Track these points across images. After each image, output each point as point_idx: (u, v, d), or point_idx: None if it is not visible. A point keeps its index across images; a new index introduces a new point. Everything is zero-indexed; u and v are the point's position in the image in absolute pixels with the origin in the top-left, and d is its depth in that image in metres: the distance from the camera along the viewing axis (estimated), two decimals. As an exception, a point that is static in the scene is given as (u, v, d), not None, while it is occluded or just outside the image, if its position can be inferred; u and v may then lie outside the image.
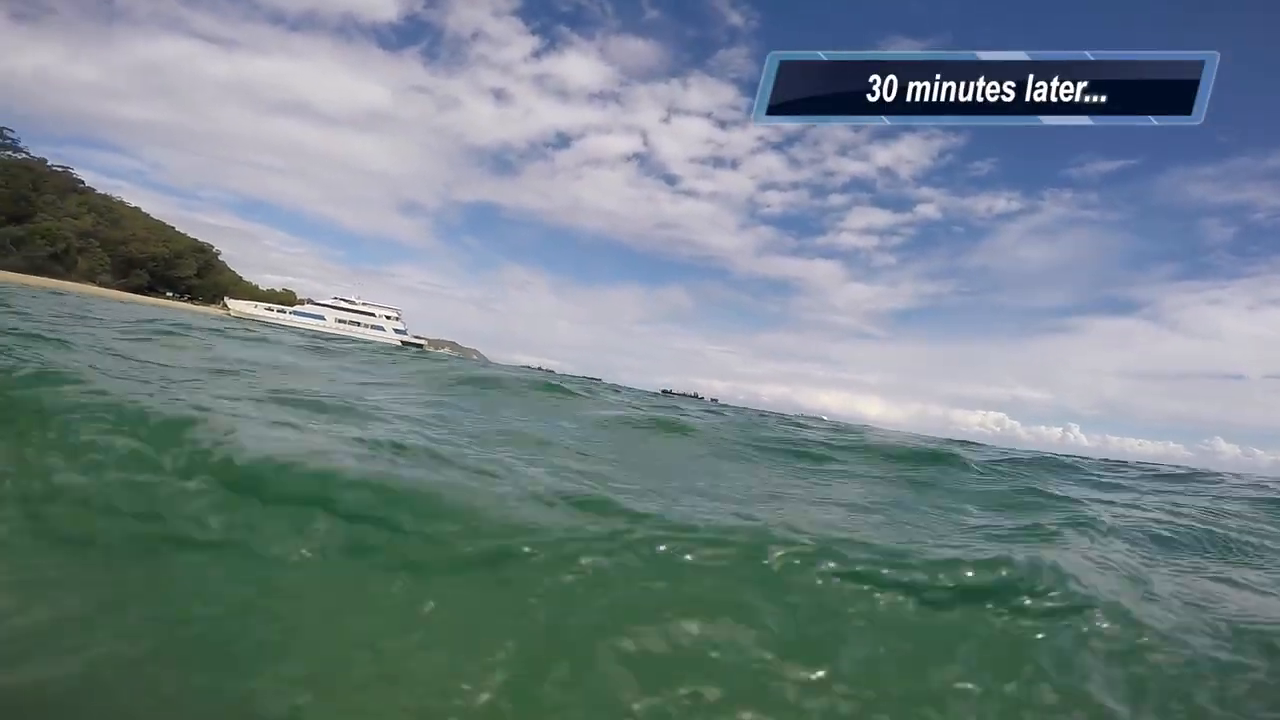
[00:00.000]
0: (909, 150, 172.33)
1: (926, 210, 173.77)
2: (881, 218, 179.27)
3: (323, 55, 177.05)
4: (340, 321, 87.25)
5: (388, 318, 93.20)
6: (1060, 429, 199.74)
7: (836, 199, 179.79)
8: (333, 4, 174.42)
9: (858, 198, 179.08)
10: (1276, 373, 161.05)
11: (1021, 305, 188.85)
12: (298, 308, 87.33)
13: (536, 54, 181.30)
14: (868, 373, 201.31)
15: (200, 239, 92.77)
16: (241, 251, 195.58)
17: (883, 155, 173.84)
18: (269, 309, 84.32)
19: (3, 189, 72.50)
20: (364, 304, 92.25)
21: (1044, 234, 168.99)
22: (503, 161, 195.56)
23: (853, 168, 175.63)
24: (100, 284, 71.53)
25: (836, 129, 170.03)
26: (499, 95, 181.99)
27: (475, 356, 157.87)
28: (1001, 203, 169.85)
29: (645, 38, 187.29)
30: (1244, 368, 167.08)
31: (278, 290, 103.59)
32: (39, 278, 62.20)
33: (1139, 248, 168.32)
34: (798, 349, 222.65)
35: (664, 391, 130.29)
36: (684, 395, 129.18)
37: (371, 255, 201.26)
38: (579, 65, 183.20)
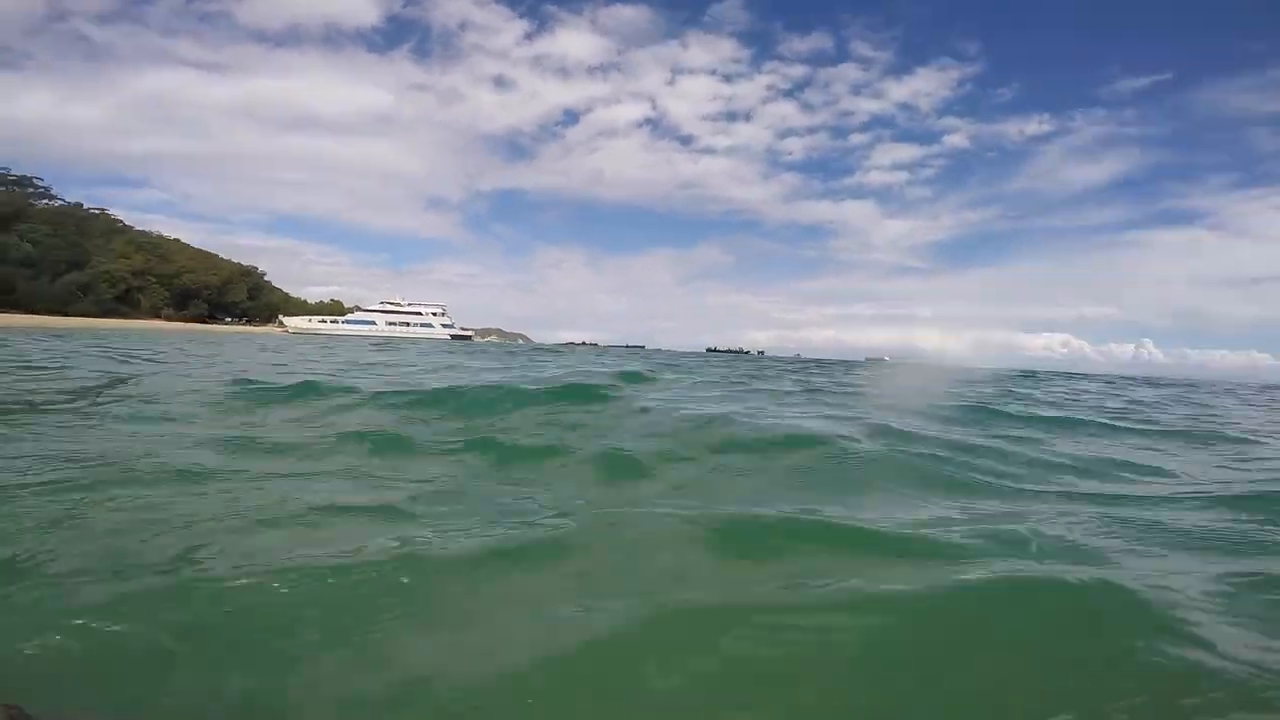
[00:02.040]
0: (924, 83, 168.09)
1: (955, 140, 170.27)
2: (908, 152, 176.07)
3: (315, 67, 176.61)
4: (390, 324, 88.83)
5: (434, 314, 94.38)
6: (1133, 345, 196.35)
7: (858, 138, 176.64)
8: (311, 15, 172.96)
9: (880, 135, 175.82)
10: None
11: (1073, 225, 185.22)
12: (349, 316, 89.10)
13: (529, 36, 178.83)
14: (919, 306, 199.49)
15: (243, 262, 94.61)
16: (283, 268, 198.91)
17: (898, 90, 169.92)
18: (323, 321, 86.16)
19: (55, 238, 74.46)
20: (410, 304, 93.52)
21: (1084, 153, 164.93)
22: (516, 146, 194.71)
23: (870, 106, 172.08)
24: (165, 318, 73.68)
25: (846, 68, 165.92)
26: (499, 82, 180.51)
27: (521, 340, 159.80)
28: (1033, 126, 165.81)
29: (635, 3, 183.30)
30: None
31: (326, 301, 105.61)
32: (112, 320, 64.36)
33: (1188, 160, 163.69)
34: (841, 291, 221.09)
35: (709, 350, 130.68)
36: (729, 351, 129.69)
37: (407, 255, 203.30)
38: (574, 41, 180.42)
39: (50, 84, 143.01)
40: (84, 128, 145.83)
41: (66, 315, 63.56)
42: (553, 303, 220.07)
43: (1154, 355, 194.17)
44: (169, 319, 73.79)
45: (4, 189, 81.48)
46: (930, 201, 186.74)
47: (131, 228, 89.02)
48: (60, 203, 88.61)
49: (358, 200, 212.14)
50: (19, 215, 76.08)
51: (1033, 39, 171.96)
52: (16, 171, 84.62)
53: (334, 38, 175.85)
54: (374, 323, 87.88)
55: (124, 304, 72.08)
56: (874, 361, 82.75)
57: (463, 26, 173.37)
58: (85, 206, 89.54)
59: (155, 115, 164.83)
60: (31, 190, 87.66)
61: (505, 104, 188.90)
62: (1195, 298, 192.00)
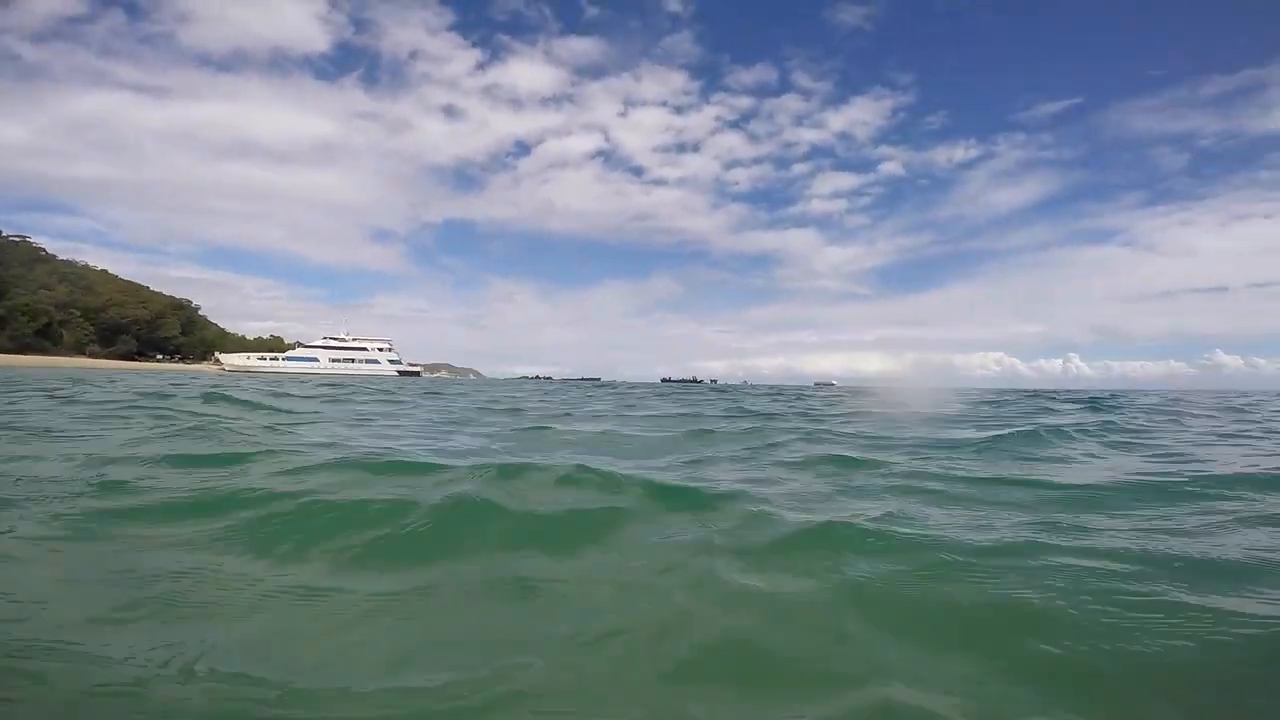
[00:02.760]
0: (860, 112, 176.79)
1: (890, 168, 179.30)
2: (847, 180, 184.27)
3: (259, 93, 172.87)
4: (334, 361, 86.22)
5: (380, 350, 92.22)
6: (1061, 360, 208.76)
7: (800, 168, 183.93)
8: (258, 40, 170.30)
9: (820, 164, 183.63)
10: (1259, 281, 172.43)
11: (1000, 246, 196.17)
12: (290, 353, 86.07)
13: (481, 66, 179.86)
14: (863, 331, 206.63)
15: (176, 295, 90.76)
16: (219, 302, 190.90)
17: (837, 120, 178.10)
18: (261, 358, 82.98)
19: (-31, 268, 70.00)
20: (354, 340, 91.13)
21: (1007, 177, 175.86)
22: (465, 177, 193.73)
23: (810, 135, 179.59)
24: (90, 355, 69.74)
25: (788, 99, 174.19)
26: (449, 111, 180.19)
27: (472, 375, 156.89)
28: (960, 152, 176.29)
29: (589, 35, 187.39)
30: (1226, 279, 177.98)
31: (265, 337, 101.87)
32: (31, 356, 60.46)
33: (1101, 180, 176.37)
34: (788, 318, 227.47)
35: (663, 380, 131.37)
36: (683, 381, 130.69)
37: (349, 289, 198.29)
38: (526, 72, 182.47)
39: None
40: (7, 148, 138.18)
41: (-22, 351, 59.46)
42: (504, 336, 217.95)
43: (1081, 369, 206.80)
44: (94, 356, 69.84)
45: (-88, 213, 76.55)
46: (868, 228, 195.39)
47: (55, 257, 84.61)
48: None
49: (299, 231, 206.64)
50: (-71, 243, 71.46)
51: (959, 67, 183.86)
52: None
53: (281, 63, 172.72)
54: (317, 359, 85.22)
55: (44, 339, 67.91)
56: (822, 386, 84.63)
57: (413, 55, 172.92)
58: (3, 233, 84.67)
59: (87, 138, 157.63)
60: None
61: (455, 134, 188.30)
62: (1114, 312, 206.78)
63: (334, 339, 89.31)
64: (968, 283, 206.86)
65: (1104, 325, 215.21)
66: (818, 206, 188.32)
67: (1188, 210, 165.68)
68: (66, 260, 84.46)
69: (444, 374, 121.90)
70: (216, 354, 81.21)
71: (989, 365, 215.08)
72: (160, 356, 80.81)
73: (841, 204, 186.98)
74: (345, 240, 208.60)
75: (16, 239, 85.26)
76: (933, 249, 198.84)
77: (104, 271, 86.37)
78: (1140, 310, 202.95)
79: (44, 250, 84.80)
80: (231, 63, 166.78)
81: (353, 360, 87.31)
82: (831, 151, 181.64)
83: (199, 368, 72.15)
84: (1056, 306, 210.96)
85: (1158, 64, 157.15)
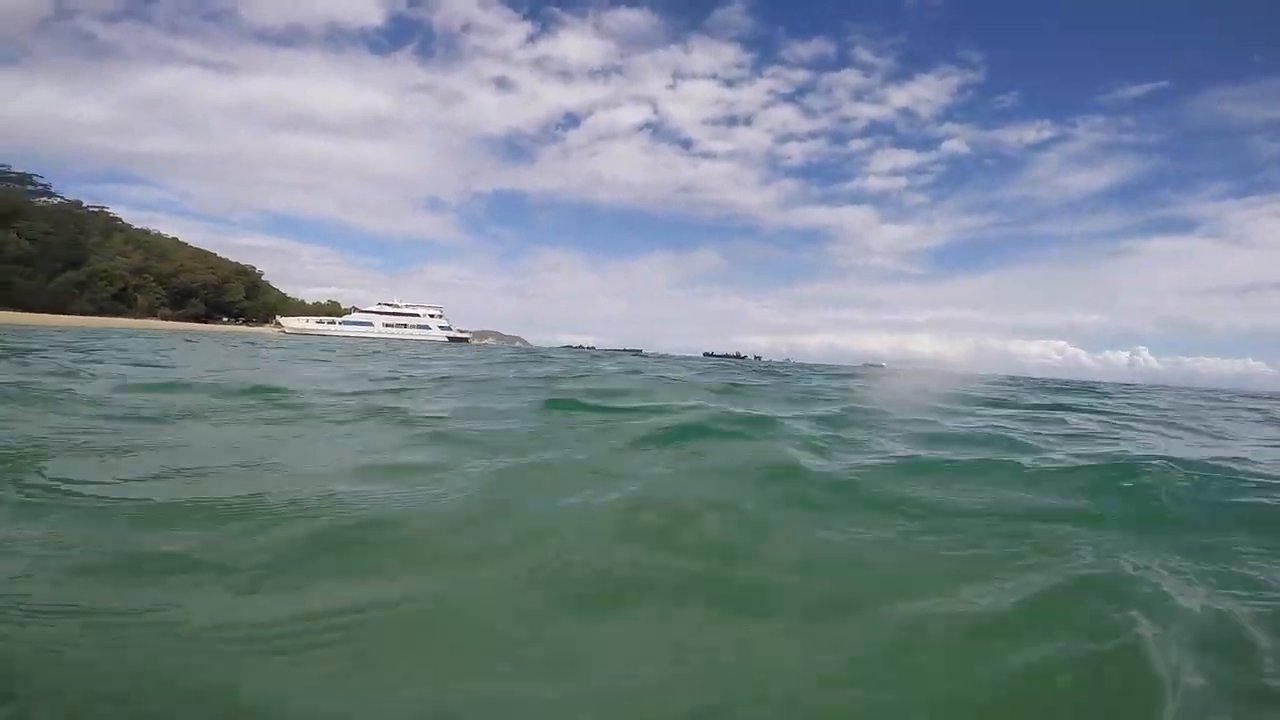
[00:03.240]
0: (925, 90, 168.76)
1: (953, 146, 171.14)
2: (907, 158, 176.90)
3: (316, 67, 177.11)
4: (388, 325, 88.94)
5: (431, 316, 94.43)
6: (1128, 353, 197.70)
7: (858, 144, 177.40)
8: (315, 15, 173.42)
9: (879, 141, 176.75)
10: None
11: (1069, 232, 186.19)
12: (346, 317, 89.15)
13: (531, 38, 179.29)
14: (915, 312, 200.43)
15: (241, 262, 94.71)
16: (281, 269, 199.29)
17: (898, 96, 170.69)
18: (320, 322, 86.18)
19: (53, 236, 74.53)
20: (407, 306, 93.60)
21: (1083, 160, 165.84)
22: (516, 148, 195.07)
23: (870, 111, 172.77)
24: (162, 317, 73.77)
25: (847, 74, 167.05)
26: (501, 84, 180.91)
27: (519, 343, 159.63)
28: (1032, 133, 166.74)
29: (639, 7, 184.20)
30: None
31: (323, 302, 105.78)
32: (107, 318, 64.43)
33: (1186, 168, 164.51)
34: (838, 296, 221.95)
35: (706, 354, 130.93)
36: (726, 355, 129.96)
37: (403, 256, 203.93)
38: (576, 44, 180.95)
39: (53, 81, 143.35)
40: (86, 125, 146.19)
41: (64, 314, 63.63)
42: (551, 305, 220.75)
43: (1149, 362, 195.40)
44: (165, 318, 73.86)
45: (3, 186, 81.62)
46: (927, 208, 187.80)
47: (130, 226, 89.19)
48: (59, 200, 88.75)
49: (355, 202, 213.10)
50: (18, 213, 76.10)
51: (1034, 46, 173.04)
52: (16, 169, 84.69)
53: (336, 38, 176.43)
54: (371, 324, 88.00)
55: (120, 302, 72.13)
56: (871, 367, 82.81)
57: (466, 28, 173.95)
58: (84, 204, 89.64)
59: (158, 114, 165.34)
60: (30, 188, 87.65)
61: (506, 106, 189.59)
62: (1189, 305, 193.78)
63: (387, 305, 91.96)
64: (1031, 267, 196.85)
65: (1178, 317, 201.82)
66: (875, 183, 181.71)
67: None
68: (141, 229, 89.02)
69: (491, 341, 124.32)
70: (277, 317, 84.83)
71: (1050, 354, 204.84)
72: (226, 319, 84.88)
73: (900, 181, 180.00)
74: (399, 210, 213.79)
75: (96, 209, 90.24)
76: (995, 230, 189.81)
77: (175, 239, 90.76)
78: (1219, 304, 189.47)
79: (120, 220, 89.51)
80: (290, 38, 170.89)
81: (405, 325, 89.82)
82: (892, 128, 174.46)
83: (261, 330, 75.50)
84: (1127, 296, 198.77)
85: (1255, 49, 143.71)
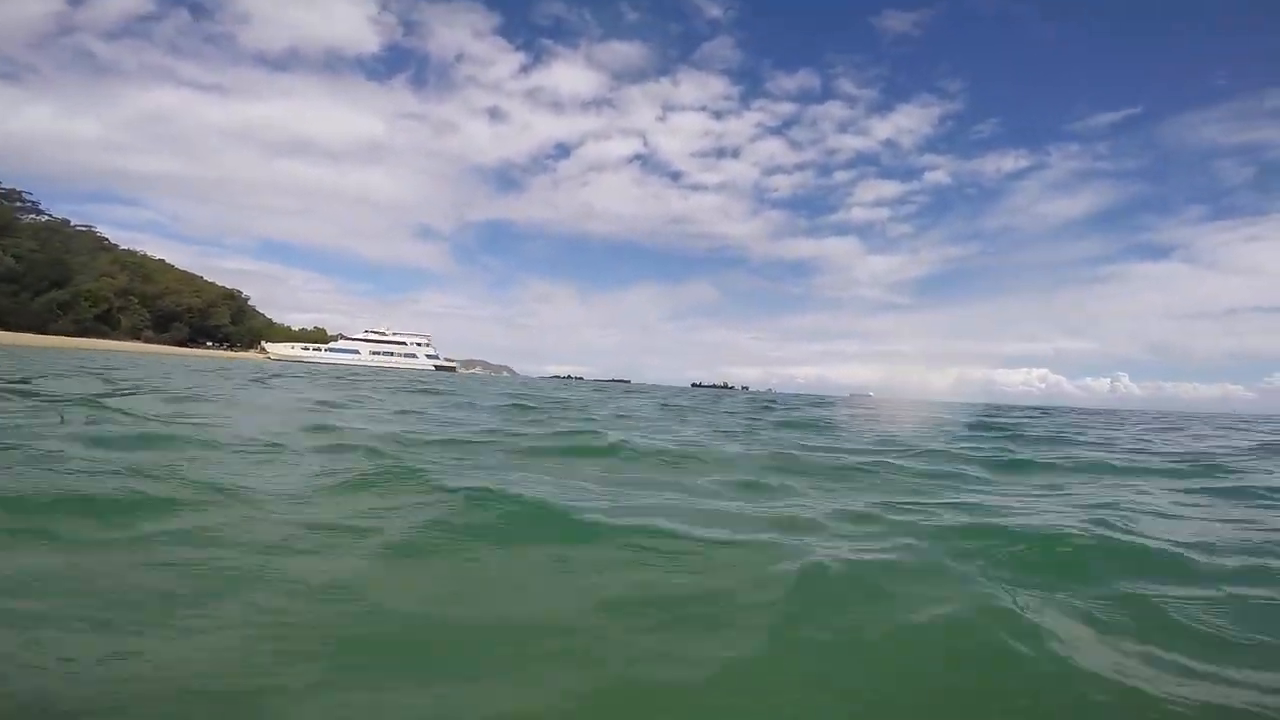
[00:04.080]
0: (906, 120, 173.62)
1: (936, 177, 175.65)
2: (891, 189, 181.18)
3: (312, 92, 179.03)
4: (374, 354, 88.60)
5: (418, 345, 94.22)
6: (1109, 380, 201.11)
7: (842, 175, 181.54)
8: (313, 40, 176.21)
9: (864, 172, 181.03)
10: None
11: (1050, 259, 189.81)
12: (332, 344, 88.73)
13: (524, 69, 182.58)
14: (902, 342, 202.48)
15: (228, 286, 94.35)
16: (268, 293, 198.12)
17: (882, 127, 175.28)
18: (305, 349, 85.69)
19: (39, 254, 73.95)
20: (394, 334, 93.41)
21: (1060, 188, 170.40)
22: (507, 178, 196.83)
23: (854, 143, 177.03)
24: (145, 340, 73.00)
25: (831, 106, 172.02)
26: (493, 114, 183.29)
27: (506, 373, 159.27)
28: (1010, 162, 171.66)
29: (629, 40, 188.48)
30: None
31: (309, 329, 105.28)
32: (90, 340, 63.68)
33: (1162, 193, 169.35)
34: (826, 327, 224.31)
35: (694, 385, 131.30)
36: (715, 386, 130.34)
37: (393, 284, 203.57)
38: (568, 75, 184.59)
39: (51, 98, 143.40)
40: (80, 143, 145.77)
41: (44, 334, 62.86)
42: (539, 335, 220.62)
43: (1130, 389, 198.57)
44: (148, 341, 73.11)
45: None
46: (911, 238, 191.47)
47: (117, 246, 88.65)
48: (47, 218, 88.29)
49: (347, 228, 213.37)
50: (5, 229, 75.58)
51: (1010, 75, 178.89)
52: (6, 184, 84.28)
53: (333, 64, 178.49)
54: (357, 352, 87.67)
55: (104, 324, 71.38)
56: (858, 397, 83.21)
57: (459, 58, 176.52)
58: (72, 223, 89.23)
59: (153, 134, 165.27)
60: (19, 204, 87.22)
61: (498, 136, 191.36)
62: (1170, 331, 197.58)
63: (374, 333, 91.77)
64: (1015, 296, 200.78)
65: (1158, 343, 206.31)
66: (859, 214, 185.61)
67: (1254, 225, 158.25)
68: (128, 249, 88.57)
69: (479, 370, 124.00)
70: (263, 343, 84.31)
71: (1032, 382, 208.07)
72: (210, 344, 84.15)
73: (884, 212, 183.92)
74: (391, 237, 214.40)
75: (83, 228, 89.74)
76: (979, 260, 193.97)
77: (162, 261, 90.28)
78: (1199, 329, 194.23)
79: (107, 240, 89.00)
80: (287, 62, 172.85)
81: (392, 354, 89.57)
82: (876, 159, 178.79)
83: (246, 355, 74.94)
84: (1108, 322, 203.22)
85: (1222, 73, 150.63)
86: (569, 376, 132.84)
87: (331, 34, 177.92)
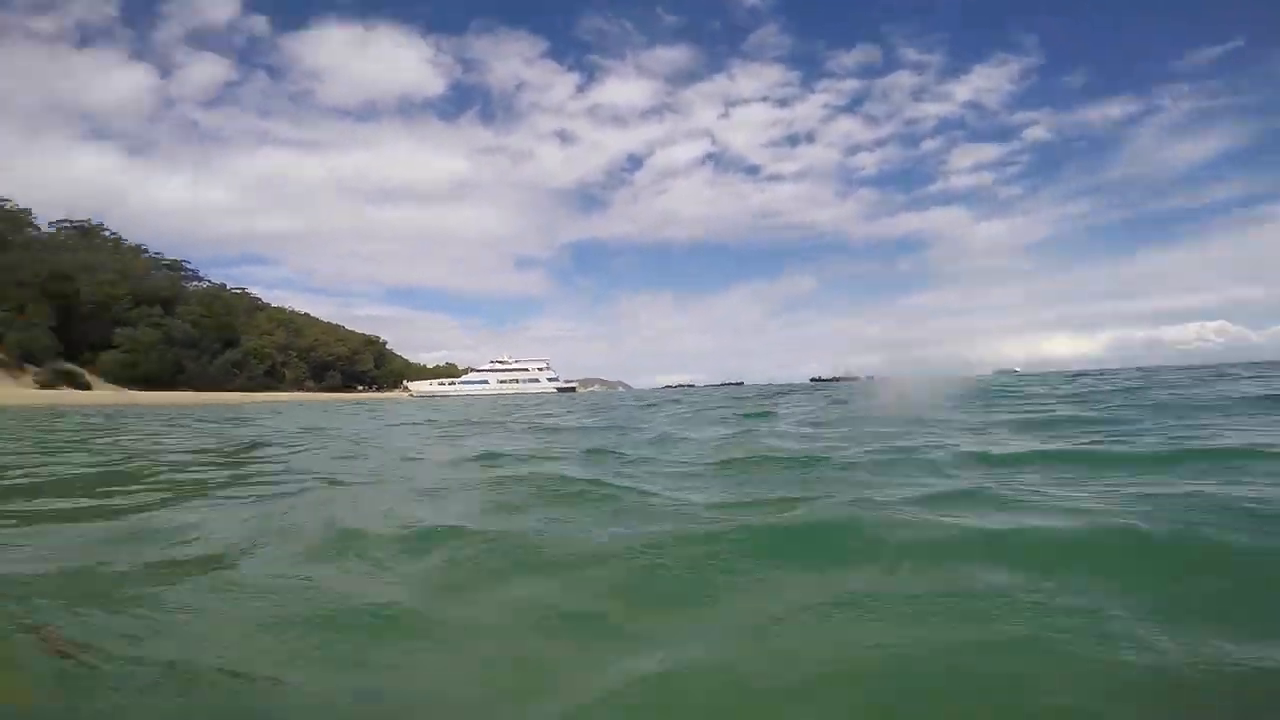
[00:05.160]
0: (985, 80, 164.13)
1: (1035, 134, 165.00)
2: (989, 152, 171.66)
3: (395, 139, 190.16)
4: (501, 382, 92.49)
5: (539, 369, 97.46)
6: None
7: (930, 144, 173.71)
8: (384, 89, 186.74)
9: (953, 138, 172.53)
10: None
11: (1194, 205, 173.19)
12: (464, 377, 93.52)
13: (580, 89, 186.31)
14: (1039, 310, 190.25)
15: (366, 332, 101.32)
16: (400, 336, 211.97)
17: (961, 90, 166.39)
18: (442, 383, 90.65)
19: (208, 319, 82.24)
20: (516, 362, 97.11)
21: (1180, 131, 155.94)
22: (588, 197, 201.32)
23: (935, 110, 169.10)
24: (307, 389, 79.41)
25: (899, 77, 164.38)
26: (562, 136, 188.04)
27: (622, 388, 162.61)
28: (1116, 109, 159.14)
29: (674, 44, 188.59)
30: None
31: (441, 365, 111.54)
32: (264, 394, 69.95)
33: None
34: (948, 303, 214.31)
35: (813, 380, 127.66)
36: (836, 379, 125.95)
37: (504, 314, 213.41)
38: (622, 88, 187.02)
39: (179, 169, 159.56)
40: (212, 210, 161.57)
41: (224, 390, 69.62)
42: (646, 348, 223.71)
43: None
44: (309, 390, 79.47)
45: (161, 273, 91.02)
46: (1023, 199, 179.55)
47: (269, 305, 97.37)
48: (207, 283, 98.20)
49: (455, 266, 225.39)
50: (177, 298, 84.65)
51: (1084, 23, 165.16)
52: (168, 256, 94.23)
53: (407, 109, 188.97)
54: (486, 381, 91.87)
55: (271, 378, 78.25)
56: (1004, 372, 78.93)
57: (519, 87, 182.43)
58: (228, 286, 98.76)
59: (269, 195, 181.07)
60: (183, 273, 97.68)
61: (570, 158, 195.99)
62: None
63: (498, 362, 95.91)
64: (1165, 248, 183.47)
65: None
66: (960, 182, 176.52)
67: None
68: (277, 307, 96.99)
69: (597, 388, 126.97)
70: (405, 382, 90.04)
71: (1208, 336, 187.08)
72: (360, 387, 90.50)
73: (987, 176, 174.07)
74: (495, 269, 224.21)
75: (238, 290, 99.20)
76: (1107, 213, 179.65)
77: (307, 315, 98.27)
78: None
79: (260, 300, 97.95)
80: (367, 113, 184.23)
81: (517, 380, 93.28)
82: (962, 123, 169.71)
83: (391, 395, 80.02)
84: None
85: None
86: (682, 385, 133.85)
87: (398, 81, 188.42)
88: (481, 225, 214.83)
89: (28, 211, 76.68)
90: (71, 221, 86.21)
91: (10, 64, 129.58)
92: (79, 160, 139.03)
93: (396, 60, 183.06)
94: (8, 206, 73.58)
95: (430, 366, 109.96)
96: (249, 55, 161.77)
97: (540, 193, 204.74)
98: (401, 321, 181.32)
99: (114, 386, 63.62)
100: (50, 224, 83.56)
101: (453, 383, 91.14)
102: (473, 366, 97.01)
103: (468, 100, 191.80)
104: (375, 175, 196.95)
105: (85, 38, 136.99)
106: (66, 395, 53.42)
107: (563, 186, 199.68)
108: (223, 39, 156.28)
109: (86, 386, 61.23)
